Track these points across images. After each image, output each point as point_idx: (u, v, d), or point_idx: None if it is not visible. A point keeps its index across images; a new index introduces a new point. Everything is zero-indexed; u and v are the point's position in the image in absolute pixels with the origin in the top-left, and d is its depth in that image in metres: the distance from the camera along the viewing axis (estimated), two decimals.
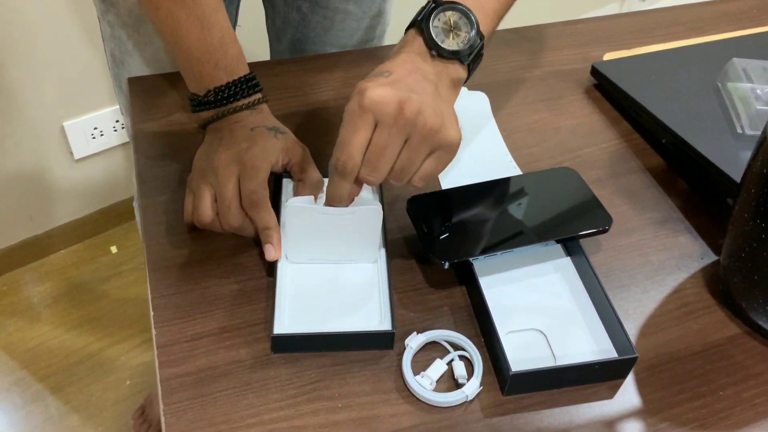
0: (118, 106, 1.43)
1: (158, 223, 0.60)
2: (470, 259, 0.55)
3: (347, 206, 0.54)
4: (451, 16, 0.54)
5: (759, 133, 0.66)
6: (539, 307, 0.55)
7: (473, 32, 0.53)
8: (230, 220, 0.56)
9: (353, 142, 0.49)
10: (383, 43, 0.95)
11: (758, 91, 0.68)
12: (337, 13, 0.87)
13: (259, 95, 0.63)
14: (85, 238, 1.59)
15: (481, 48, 0.55)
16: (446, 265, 0.54)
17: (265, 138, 0.59)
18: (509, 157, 0.68)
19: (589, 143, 0.70)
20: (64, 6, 1.26)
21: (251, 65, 0.77)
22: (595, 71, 0.77)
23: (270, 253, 0.55)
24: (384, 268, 0.56)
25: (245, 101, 0.62)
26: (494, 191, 0.61)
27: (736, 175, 0.61)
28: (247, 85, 0.62)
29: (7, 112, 1.32)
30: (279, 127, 0.61)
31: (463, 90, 0.75)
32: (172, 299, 0.54)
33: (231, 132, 0.60)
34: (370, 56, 0.81)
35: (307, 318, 0.52)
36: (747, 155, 0.62)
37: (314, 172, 0.60)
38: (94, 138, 1.44)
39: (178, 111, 0.70)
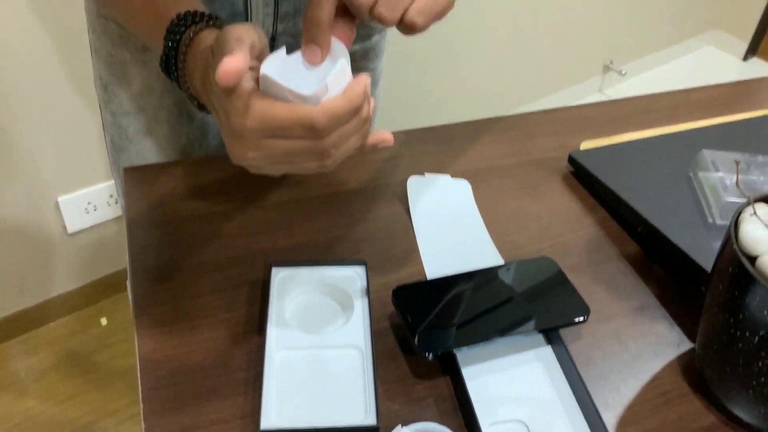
0: (112, 182, 1.47)
1: (150, 314, 0.61)
2: (453, 350, 0.56)
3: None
4: None
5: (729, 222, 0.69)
6: (522, 397, 0.56)
7: None
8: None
9: None
10: (372, 129, 0.99)
11: (727, 181, 0.72)
12: None
13: (202, 23, 0.56)
14: (76, 309, 1.60)
15: None
16: (430, 357, 0.56)
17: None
18: (491, 244, 0.71)
19: (568, 230, 0.73)
20: (60, 84, 1.31)
21: None
22: (572, 160, 0.80)
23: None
24: (369, 359, 0.57)
25: (191, 32, 0.55)
26: (477, 281, 0.63)
27: (708, 265, 0.64)
28: (199, 16, 0.56)
29: (2, 186, 1.35)
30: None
31: (446, 177, 0.78)
32: (162, 391, 0.55)
33: (207, 94, 0.52)
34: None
35: (294, 411, 0.54)
36: (718, 245, 0.64)
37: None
38: (87, 212, 1.47)
39: (174, 201, 0.73)
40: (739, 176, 0.68)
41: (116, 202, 1.49)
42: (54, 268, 1.52)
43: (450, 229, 0.72)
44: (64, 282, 1.56)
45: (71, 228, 1.47)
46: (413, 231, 0.72)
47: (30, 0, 1.20)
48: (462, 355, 0.58)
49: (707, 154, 0.76)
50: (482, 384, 0.57)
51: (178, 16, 0.56)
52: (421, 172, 0.79)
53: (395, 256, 0.69)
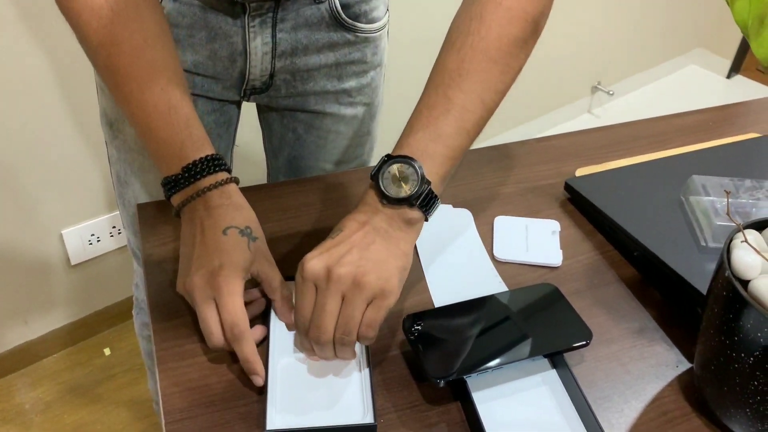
0: (115, 213, 1.49)
1: (170, 347, 0.63)
2: (464, 377, 0.59)
3: (326, 359, 0.61)
4: (399, 168, 0.61)
5: (721, 245, 0.73)
6: (530, 420, 0.59)
7: (418, 181, 0.60)
8: (214, 342, 0.60)
9: (302, 304, 0.59)
10: (372, 158, 1.03)
11: (717, 205, 0.75)
12: (329, 134, 0.94)
13: (225, 174, 0.66)
14: (79, 340, 1.61)
15: (429, 192, 0.61)
16: (441, 384, 0.58)
17: (238, 249, 0.62)
18: (494, 271, 0.74)
19: (567, 256, 0.76)
20: (63, 120, 1.33)
21: (250, 189, 0.84)
22: (568, 187, 0.84)
23: (258, 382, 0.59)
24: (365, 362, 0.61)
25: (212, 179, 0.65)
26: (483, 308, 0.66)
27: (703, 287, 0.66)
28: (213, 163, 0.66)
29: (6, 220, 1.37)
30: (252, 229, 0.65)
31: (448, 207, 0.81)
32: (184, 424, 0.57)
33: (203, 230, 0.64)
34: (363, 177, 0.87)
35: (297, 413, 0.58)
36: (712, 267, 0.67)
37: (282, 289, 0.65)
38: (90, 244, 1.49)
39: None
40: (729, 203, 0.72)
41: (119, 233, 1.51)
42: (57, 300, 1.54)
43: (454, 257, 0.75)
44: (67, 313, 1.57)
45: (75, 260, 1.49)
46: (419, 260, 0.74)
47: (34, 35, 1.23)
48: (471, 380, 0.60)
49: (697, 179, 0.79)
50: (492, 408, 0.59)
51: (194, 161, 0.65)
52: None
53: (403, 285, 0.71)
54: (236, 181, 0.68)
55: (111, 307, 1.62)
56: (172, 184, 0.66)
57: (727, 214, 0.72)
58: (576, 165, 0.90)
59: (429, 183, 0.60)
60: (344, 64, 0.88)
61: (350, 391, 0.60)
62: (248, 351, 0.59)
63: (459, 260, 0.75)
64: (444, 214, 0.80)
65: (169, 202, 0.68)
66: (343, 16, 0.83)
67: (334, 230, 0.62)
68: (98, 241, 1.50)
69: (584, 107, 2.62)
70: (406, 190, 0.60)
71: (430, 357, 0.60)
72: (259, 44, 0.81)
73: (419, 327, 0.63)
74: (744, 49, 2.82)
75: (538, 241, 0.77)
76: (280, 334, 0.64)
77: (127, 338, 1.62)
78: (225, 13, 0.78)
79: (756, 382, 0.52)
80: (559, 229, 0.79)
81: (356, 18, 0.84)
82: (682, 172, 0.84)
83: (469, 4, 0.64)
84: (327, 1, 0.81)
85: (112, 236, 1.51)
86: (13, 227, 1.38)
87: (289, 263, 0.69)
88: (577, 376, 0.61)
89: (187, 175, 0.65)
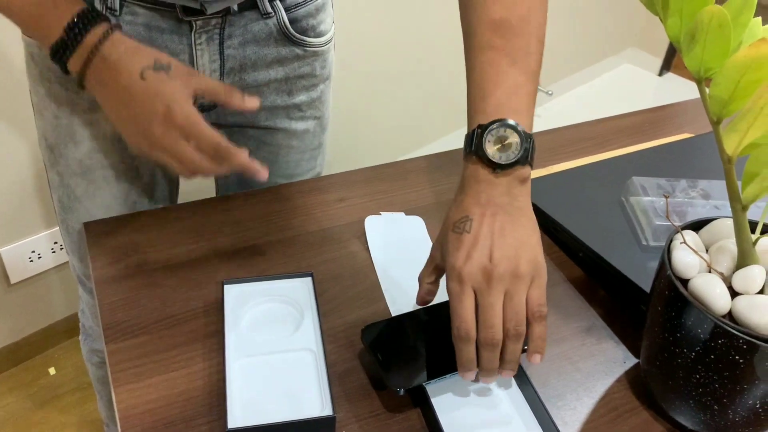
0: (56, 228, 1.44)
1: (126, 369, 0.62)
2: (423, 384, 0.60)
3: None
4: (497, 132, 0.60)
5: (662, 244, 0.76)
6: (488, 421, 0.61)
7: (520, 138, 0.60)
8: (198, 167, 0.66)
9: (464, 309, 0.57)
10: (324, 169, 1.03)
11: (656, 205, 0.79)
12: (281, 149, 0.94)
13: (107, 24, 0.66)
14: (22, 361, 1.55)
15: (533, 144, 0.61)
16: (401, 392, 0.59)
17: (165, 84, 0.65)
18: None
19: None
20: None
21: (201, 202, 0.83)
22: None
23: (263, 176, 0.66)
24: (321, 359, 0.62)
25: (99, 31, 0.65)
26: (439, 315, 0.67)
27: (645, 284, 0.70)
28: (93, 14, 0.65)
29: None
30: (161, 62, 0.66)
31: (401, 215, 0.83)
32: None
33: (123, 87, 0.65)
34: (316, 187, 0.87)
35: (257, 410, 0.58)
36: (653, 265, 0.71)
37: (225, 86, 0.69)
38: (31, 261, 1.44)
39: (136, 253, 0.74)
40: (668, 205, 0.75)
41: (61, 248, 1.47)
42: None
43: (408, 264, 0.76)
44: (7, 334, 1.51)
45: (14, 278, 1.44)
46: (375, 269, 0.75)
47: None
48: (430, 387, 0.61)
49: (636, 181, 0.83)
50: (451, 413, 0.61)
51: (73, 18, 0.65)
52: (376, 211, 0.83)
53: (359, 295, 0.72)
54: (119, 26, 0.68)
55: (55, 324, 1.57)
56: (61, 50, 0.66)
57: (667, 216, 0.75)
58: None
59: (530, 137, 0.61)
60: (294, 78, 0.87)
61: (308, 387, 0.61)
62: (243, 157, 0.65)
63: (414, 268, 0.76)
64: (397, 222, 0.82)
65: (66, 73, 0.68)
66: (291, 30, 0.83)
67: (460, 220, 0.60)
68: (39, 258, 1.45)
69: None
70: (512, 152, 0.60)
71: (390, 366, 0.61)
72: (206, 62, 0.80)
73: (377, 336, 0.64)
74: (674, 48, 2.94)
75: None
76: (235, 337, 0.64)
77: (72, 356, 1.58)
78: (171, 32, 0.76)
79: (698, 375, 0.55)
80: None
81: (304, 32, 0.84)
82: (622, 173, 0.87)
83: None
84: (275, 17, 0.81)
85: (54, 252, 1.47)
86: None
87: (247, 275, 0.69)
88: (530, 377, 0.63)
89: (72, 34, 0.65)
